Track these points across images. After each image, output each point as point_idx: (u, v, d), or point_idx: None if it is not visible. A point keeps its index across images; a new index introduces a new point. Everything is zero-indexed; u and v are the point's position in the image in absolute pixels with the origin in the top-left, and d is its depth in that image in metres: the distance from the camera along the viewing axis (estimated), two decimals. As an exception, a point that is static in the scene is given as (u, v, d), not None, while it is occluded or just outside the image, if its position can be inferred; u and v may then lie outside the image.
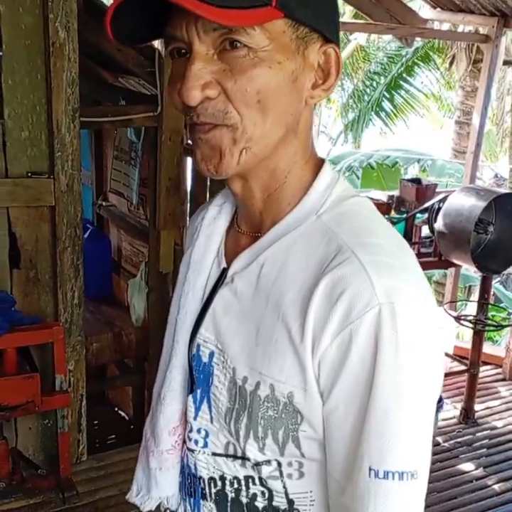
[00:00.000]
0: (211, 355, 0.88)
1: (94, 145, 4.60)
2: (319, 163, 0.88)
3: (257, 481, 0.86)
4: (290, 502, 0.85)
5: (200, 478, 0.91)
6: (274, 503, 0.86)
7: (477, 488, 2.97)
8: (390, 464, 0.75)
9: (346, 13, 8.60)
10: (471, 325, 3.34)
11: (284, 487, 0.85)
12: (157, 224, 3.23)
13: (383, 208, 3.31)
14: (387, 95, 11.08)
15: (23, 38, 2.55)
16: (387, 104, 11.18)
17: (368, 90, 11.33)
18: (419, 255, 3.40)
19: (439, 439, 3.29)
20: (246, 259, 0.87)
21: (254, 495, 0.87)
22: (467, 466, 3.10)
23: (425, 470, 0.78)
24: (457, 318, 3.52)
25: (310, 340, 0.77)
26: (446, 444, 3.26)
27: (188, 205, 3.67)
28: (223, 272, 0.90)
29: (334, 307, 0.75)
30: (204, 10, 0.70)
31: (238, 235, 0.92)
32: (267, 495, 0.86)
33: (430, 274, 5.98)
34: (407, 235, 3.41)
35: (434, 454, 3.09)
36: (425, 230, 3.45)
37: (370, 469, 0.75)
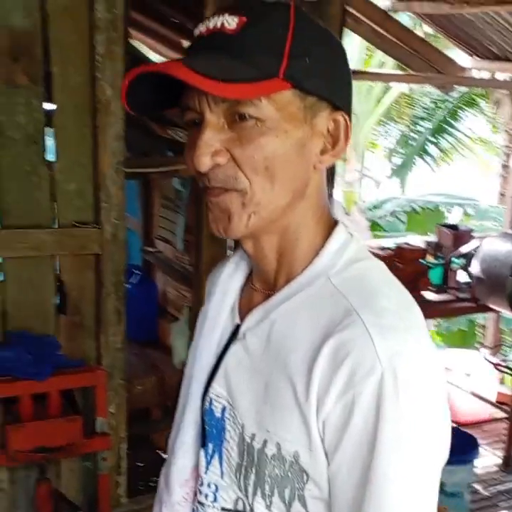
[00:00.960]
0: (223, 410, 0.90)
1: (142, 193, 4.77)
2: (332, 224, 0.90)
3: None
4: None
5: None
6: None
7: (518, 538, 2.91)
8: None
9: (388, 63, 8.73)
10: (510, 371, 3.32)
11: None
12: (200, 269, 3.32)
13: (419, 253, 3.34)
14: (433, 139, 11.12)
15: (73, 95, 2.70)
16: (432, 149, 11.21)
17: (413, 135, 11.38)
18: (456, 301, 3.41)
19: (478, 486, 3.24)
20: (258, 317, 0.89)
21: None
22: (507, 516, 3.06)
23: None
24: (496, 365, 3.50)
25: (315, 401, 0.79)
26: (485, 492, 3.22)
27: (229, 251, 3.77)
28: (237, 328, 0.93)
29: (338, 370, 0.77)
30: (209, 86, 0.75)
31: (252, 292, 0.95)
32: None
33: (473, 317, 5.92)
34: (444, 280, 3.43)
35: (473, 501, 3.05)
36: (462, 275, 3.45)
37: None
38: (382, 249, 3.41)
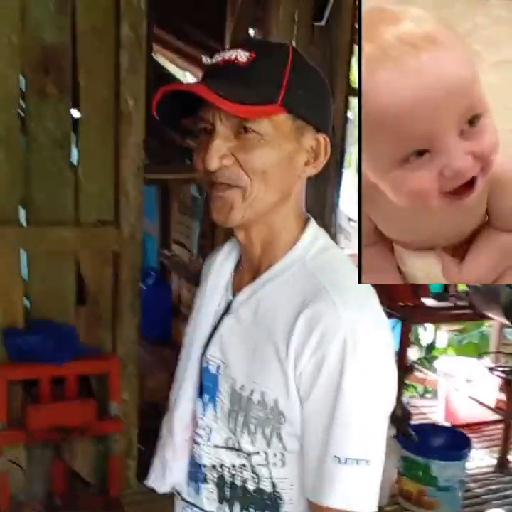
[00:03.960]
0: (218, 367, 1.12)
1: (161, 199, 5.01)
2: (306, 220, 1.13)
3: (248, 468, 1.08)
4: (273, 485, 1.08)
5: (204, 466, 1.15)
6: (261, 486, 1.08)
7: (503, 533, 3.06)
8: (349, 452, 0.98)
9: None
10: (503, 375, 3.48)
11: (270, 473, 1.07)
12: (211, 272, 3.51)
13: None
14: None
15: (98, 106, 2.95)
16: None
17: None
18: (456, 308, 3.58)
19: (473, 485, 3.41)
20: (247, 294, 1.11)
21: (246, 479, 1.09)
22: (496, 512, 3.22)
23: (378, 461, 1.01)
24: (491, 369, 3.67)
25: (293, 358, 1.01)
26: (478, 490, 3.38)
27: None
28: (230, 303, 1.15)
29: (311, 334, 0.99)
30: (226, 105, 0.97)
31: (242, 273, 1.16)
32: (256, 479, 1.08)
33: (485, 331, 6.06)
34: (445, 288, 3.61)
35: (465, 498, 3.21)
36: (461, 284, 3.61)
37: (334, 456, 0.99)
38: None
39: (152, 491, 3.14)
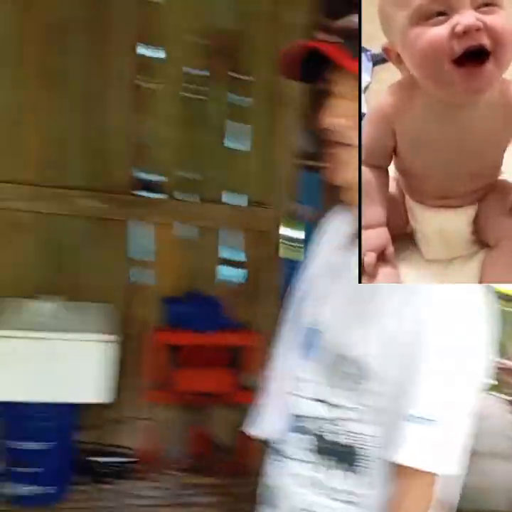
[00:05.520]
0: (322, 326, 1.19)
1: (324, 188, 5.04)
2: None
3: (337, 421, 1.14)
4: (356, 439, 1.12)
5: (298, 416, 1.21)
6: (345, 439, 1.13)
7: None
8: (424, 412, 1.02)
9: None
10: None
11: (355, 428, 1.12)
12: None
13: None
14: None
15: (263, 92, 3.09)
16: None
17: None
18: None
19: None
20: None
21: (333, 431, 1.15)
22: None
23: (455, 426, 1.04)
24: None
25: (389, 322, 1.06)
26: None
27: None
28: (338, 266, 1.19)
29: (408, 301, 1.04)
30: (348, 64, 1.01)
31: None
32: (341, 432, 1.13)
33: None
34: None
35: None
36: None
37: (410, 415, 1.03)
38: None
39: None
